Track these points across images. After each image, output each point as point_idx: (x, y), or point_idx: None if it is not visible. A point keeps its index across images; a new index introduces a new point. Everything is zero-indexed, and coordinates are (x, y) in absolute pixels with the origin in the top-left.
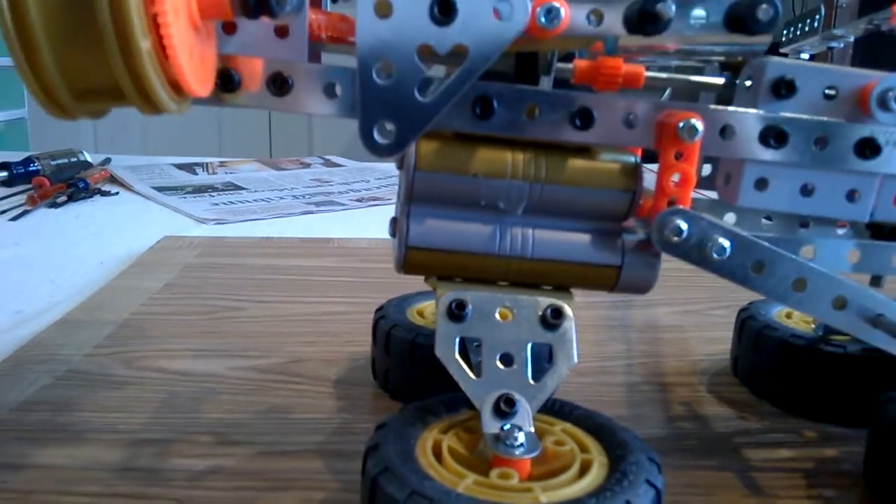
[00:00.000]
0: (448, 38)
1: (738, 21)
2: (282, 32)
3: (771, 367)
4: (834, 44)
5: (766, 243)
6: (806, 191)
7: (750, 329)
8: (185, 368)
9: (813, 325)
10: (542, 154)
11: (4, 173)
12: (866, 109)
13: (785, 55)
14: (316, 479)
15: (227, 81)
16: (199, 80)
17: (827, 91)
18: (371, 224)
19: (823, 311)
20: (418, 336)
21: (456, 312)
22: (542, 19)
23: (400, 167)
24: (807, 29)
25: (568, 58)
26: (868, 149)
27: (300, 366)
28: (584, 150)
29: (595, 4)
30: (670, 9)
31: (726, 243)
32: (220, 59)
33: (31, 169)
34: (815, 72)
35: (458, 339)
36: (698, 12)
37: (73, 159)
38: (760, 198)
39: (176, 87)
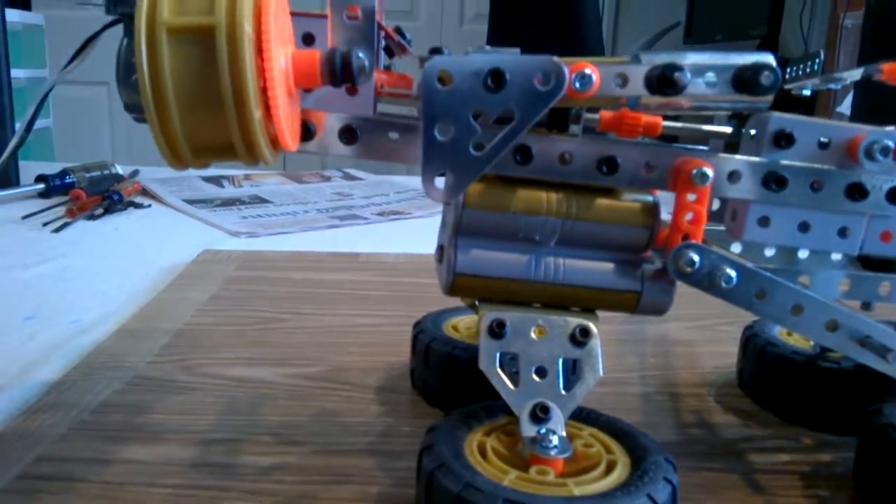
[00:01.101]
0: (499, 103)
1: (744, 84)
2: (352, 91)
3: (772, 380)
4: (832, 85)
5: (767, 273)
6: (803, 227)
7: (754, 345)
8: (240, 375)
9: (811, 344)
10: (573, 194)
11: (42, 185)
12: (855, 159)
13: (788, 91)
14: (369, 475)
15: (305, 132)
16: (292, 137)
17: (821, 141)
18: (393, 238)
19: (818, 333)
20: (455, 349)
21: (496, 331)
22: (577, 84)
23: (447, 203)
24: (808, 70)
25: (594, 108)
26: (857, 192)
27: (344, 374)
28: (609, 191)
29: (621, 68)
30: (686, 76)
31: (733, 273)
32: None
33: (66, 181)
34: (810, 126)
35: (498, 354)
36: (709, 76)
37: (106, 172)
38: (763, 233)
39: (274, 143)
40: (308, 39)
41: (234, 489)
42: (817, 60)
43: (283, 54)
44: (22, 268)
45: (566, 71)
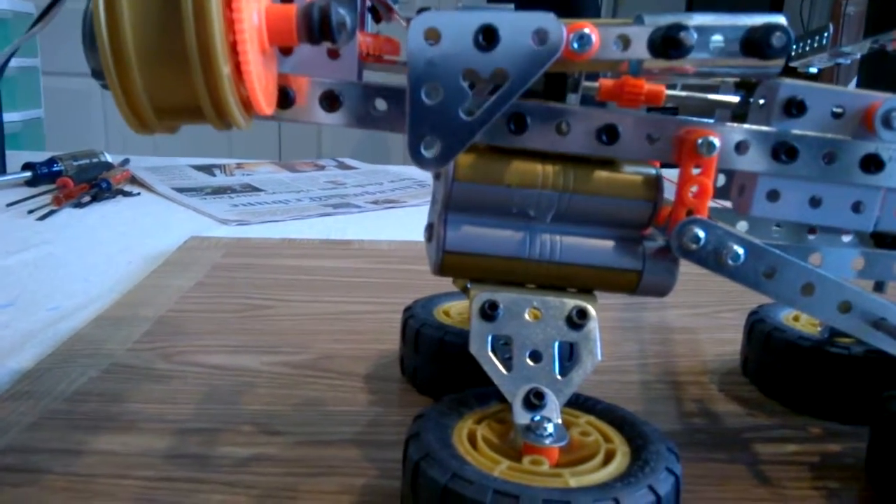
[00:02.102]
0: (491, 62)
1: (753, 46)
2: (334, 54)
3: (779, 367)
4: (841, 60)
5: (777, 251)
6: (814, 202)
7: (759, 331)
8: (222, 363)
9: (819, 328)
10: (570, 166)
11: (28, 173)
12: (871, 128)
13: (794, 69)
14: (354, 466)
15: (283, 99)
16: (267, 100)
17: (835, 110)
18: (387, 226)
19: (830, 315)
20: (446, 334)
21: (489, 312)
22: (575, 45)
23: (437, 177)
24: (815, 45)
25: (593, 76)
26: (872, 164)
27: (331, 362)
28: (608, 163)
29: (622, 29)
30: (692, 36)
31: (741, 250)
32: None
33: (54, 169)
34: (823, 93)
35: (490, 337)
36: (717, 38)
37: (95, 160)
38: (772, 208)
39: (247, 106)
40: None
41: (209, 481)
42: (826, 34)
43: (255, 8)
44: (3, 255)
45: (564, 29)
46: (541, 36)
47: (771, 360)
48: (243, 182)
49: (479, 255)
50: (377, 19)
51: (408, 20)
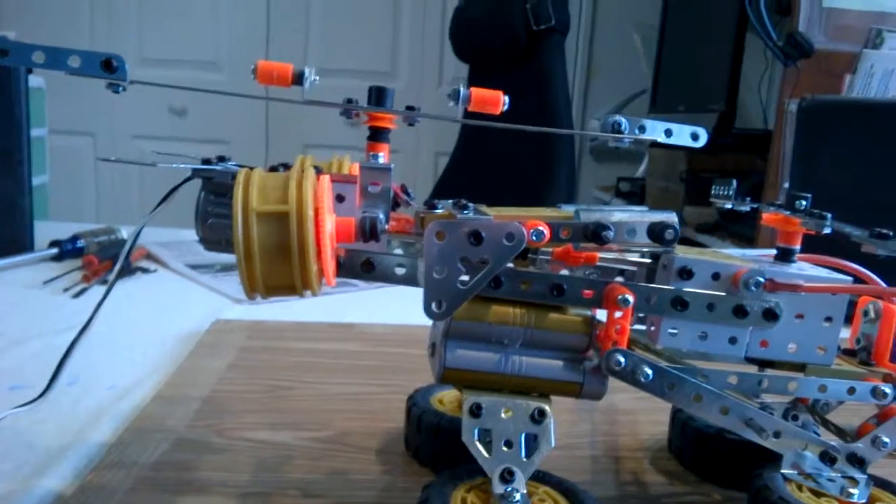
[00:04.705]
0: (478, 253)
1: (655, 236)
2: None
3: (692, 447)
4: (742, 208)
5: (674, 371)
6: (703, 336)
7: (679, 419)
8: (265, 438)
9: None
10: (532, 310)
11: (55, 250)
12: (738, 287)
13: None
14: None
15: (338, 267)
16: (333, 276)
17: (714, 273)
18: (382, 308)
19: (714, 416)
20: (442, 421)
21: (475, 411)
22: (534, 237)
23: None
24: (726, 193)
25: None
26: (740, 312)
27: (348, 437)
28: (559, 308)
29: (565, 223)
30: (611, 234)
31: (650, 371)
32: None
33: (77, 246)
34: (705, 263)
35: (476, 430)
36: (630, 228)
37: (113, 237)
38: (672, 340)
39: (321, 282)
40: (340, 199)
41: None
42: (732, 188)
43: (330, 222)
44: (53, 333)
45: (525, 232)
46: (510, 236)
47: (687, 442)
48: None
49: (469, 370)
50: (396, 207)
51: (416, 213)
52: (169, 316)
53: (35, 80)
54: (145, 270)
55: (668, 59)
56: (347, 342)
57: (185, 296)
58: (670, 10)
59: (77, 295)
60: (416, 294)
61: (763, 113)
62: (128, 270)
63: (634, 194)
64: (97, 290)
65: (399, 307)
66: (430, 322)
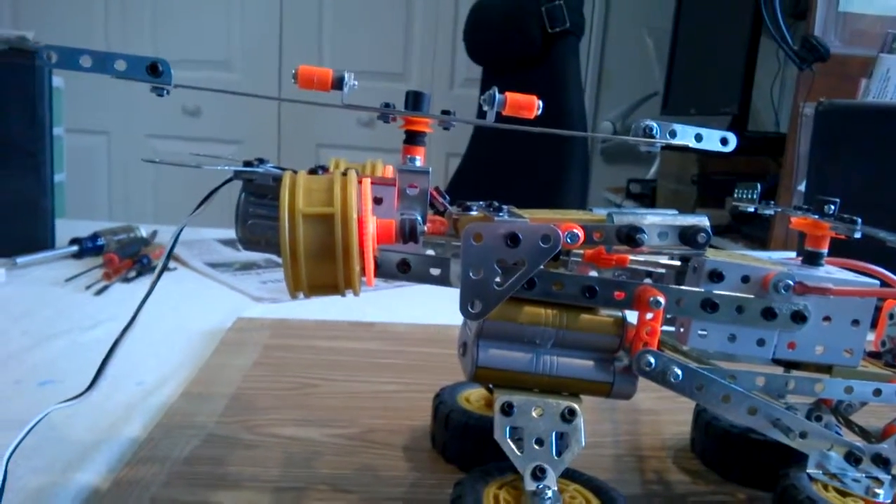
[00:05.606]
0: (515, 255)
1: (686, 238)
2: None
3: (716, 447)
4: (767, 212)
5: (704, 371)
6: (731, 338)
7: (702, 419)
8: (293, 434)
9: None
10: (564, 311)
11: (76, 248)
12: (767, 290)
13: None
14: None
15: (377, 267)
16: (374, 275)
17: (744, 276)
18: (399, 306)
19: (742, 416)
20: (469, 419)
21: (507, 410)
22: (569, 240)
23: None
24: (749, 196)
25: None
26: (769, 314)
27: (375, 435)
28: (590, 309)
29: (598, 226)
30: (644, 238)
31: (679, 372)
32: None
33: (97, 244)
34: (736, 266)
35: (508, 428)
36: (662, 232)
37: (132, 235)
38: (702, 342)
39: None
40: (378, 201)
41: None
42: (756, 192)
43: (372, 224)
44: (79, 331)
45: (560, 235)
46: (546, 238)
47: (710, 442)
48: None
49: (501, 370)
50: (432, 208)
51: (451, 215)
52: (191, 313)
53: (54, 80)
54: (166, 269)
55: (681, 62)
56: (369, 341)
57: (206, 294)
58: (683, 14)
59: (99, 292)
60: (433, 294)
61: (775, 115)
62: (149, 268)
63: (645, 196)
64: (118, 288)
65: (415, 306)
66: (448, 321)
